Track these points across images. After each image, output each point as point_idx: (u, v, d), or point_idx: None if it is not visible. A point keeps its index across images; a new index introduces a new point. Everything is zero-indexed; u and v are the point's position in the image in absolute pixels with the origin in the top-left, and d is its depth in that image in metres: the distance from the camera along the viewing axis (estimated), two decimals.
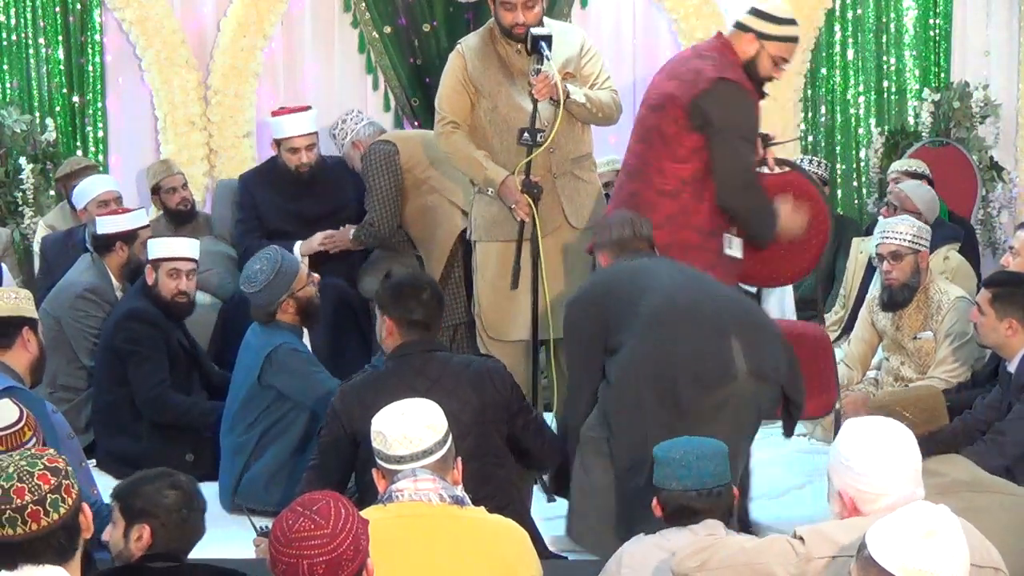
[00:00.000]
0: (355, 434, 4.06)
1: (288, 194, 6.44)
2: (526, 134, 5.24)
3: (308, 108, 6.53)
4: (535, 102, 5.24)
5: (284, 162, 6.43)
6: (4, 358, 4.21)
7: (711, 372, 4.21)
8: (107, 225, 5.98)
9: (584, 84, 5.42)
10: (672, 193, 4.87)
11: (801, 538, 3.01)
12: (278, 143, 6.46)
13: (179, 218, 6.96)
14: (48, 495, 2.64)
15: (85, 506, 2.72)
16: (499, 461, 4.17)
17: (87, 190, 6.57)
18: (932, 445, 3.47)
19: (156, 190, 7.02)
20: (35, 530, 2.62)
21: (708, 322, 4.27)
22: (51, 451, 2.75)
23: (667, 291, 4.35)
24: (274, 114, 6.55)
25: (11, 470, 2.66)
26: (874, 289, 5.96)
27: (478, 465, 3.99)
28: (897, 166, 6.95)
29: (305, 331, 5.25)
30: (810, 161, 7.08)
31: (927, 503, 2.64)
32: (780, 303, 6.60)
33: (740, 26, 4.92)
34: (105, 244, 5.98)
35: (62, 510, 2.65)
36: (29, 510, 2.62)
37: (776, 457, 5.60)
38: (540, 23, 5.33)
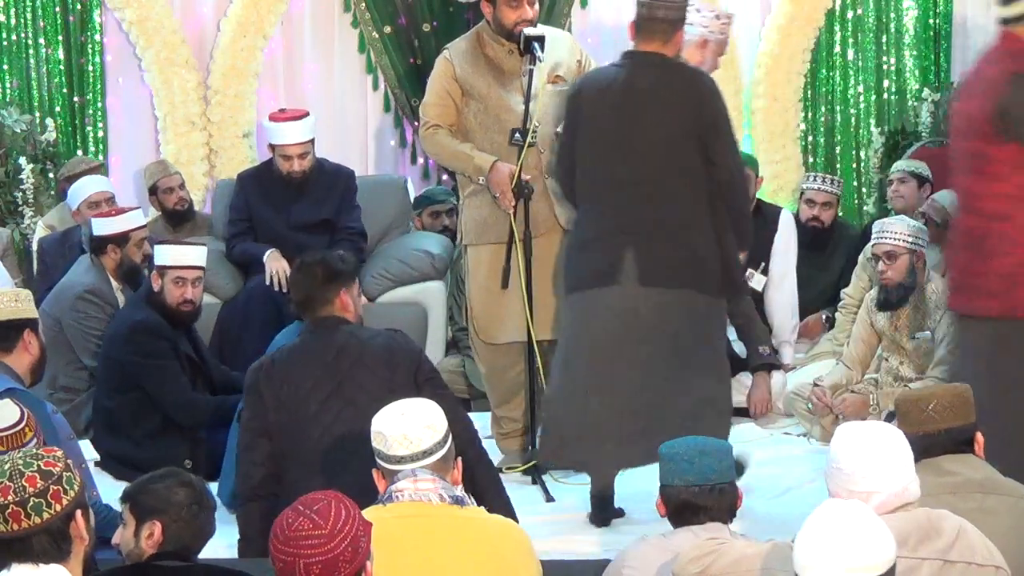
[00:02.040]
0: (269, 405, 4.17)
1: (279, 199, 6.41)
2: (517, 134, 5.26)
3: (305, 115, 6.44)
4: (527, 102, 5.26)
5: (277, 166, 6.41)
6: (6, 360, 4.21)
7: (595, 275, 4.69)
8: (99, 227, 5.95)
9: None
10: (1003, 215, 4.38)
11: None
12: (272, 147, 6.43)
13: (177, 218, 6.97)
14: (31, 498, 2.63)
15: (79, 515, 2.70)
16: None
17: (79, 191, 6.55)
18: (950, 442, 3.46)
19: (153, 190, 7.02)
20: (15, 530, 2.62)
21: (608, 230, 4.71)
22: (57, 453, 2.74)
23: (604, 180, 4.76)
24: (271, 118, 6.48)
25: (6, 467, 2.66)
26: (872, 290, 5.97)
27: None
28: (902, 165, 6.95)
29: None
30: (824, 179, 7.02)
31: (838, 501, 2.68)
32: (786, 303, 6.59)
33: (1014, 20, 4.36)
34: (99, 245, 5.96)
35: (45, 515, 2.63)
36: (10, 510, 2.62)
37: (776, 457, 5.60)
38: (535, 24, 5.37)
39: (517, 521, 4.13)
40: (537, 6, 5.37)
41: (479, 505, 4.00)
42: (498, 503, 4.05)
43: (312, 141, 6.41)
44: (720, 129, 4.76)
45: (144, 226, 6.12)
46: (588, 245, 4.78)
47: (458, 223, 5.72)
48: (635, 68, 4.78)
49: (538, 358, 5.32)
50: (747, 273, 6.39)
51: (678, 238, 4.68)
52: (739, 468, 4.31)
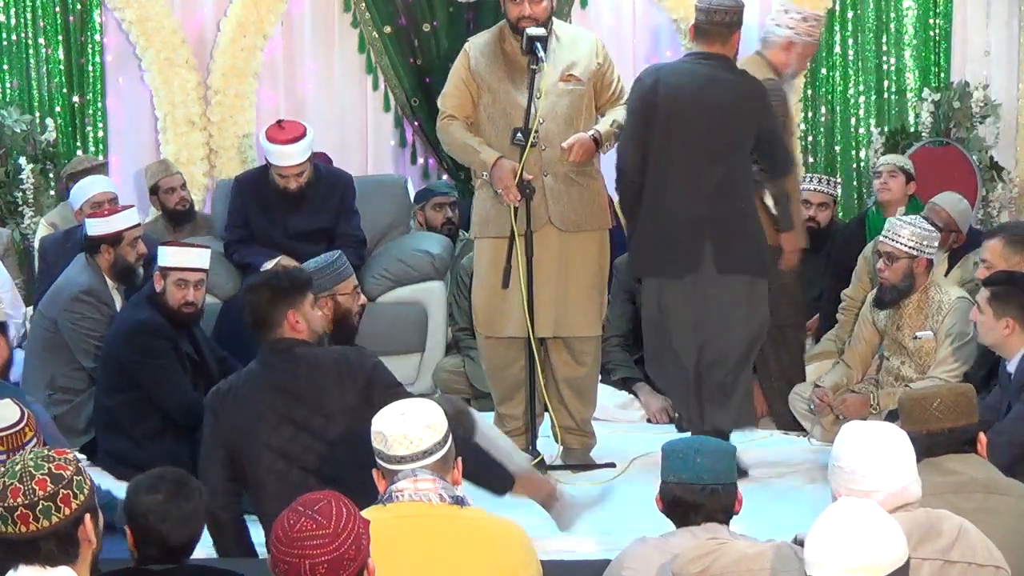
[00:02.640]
0: (229, 434, 4.14)
1: (277, 209, 6.41)
2: (518, 134, 5.27)
3: (303, 135, 6.34)
4: (529, 102, 5.26)
5: (274, 179, 6.37)
6: None
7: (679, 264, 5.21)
8: (92, 227, 5.90)
9: (604, 92, 5.51)
10: None
11: (803, 543, 3.01)
12: (269, 163, 6.38)
13: (177, 218, 6.96)
14: (40, 501, 2.61)
15: (88, 519, 2.68)
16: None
17: (82, 191, 6.54)
18: (953, 442, 3.46)
19: (155, 190, 7.02)
20: (24, 532, 2.61)
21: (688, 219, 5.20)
22: (68, 455, 2.72)
23: (675, 181, 5.22)
24: (268, 137, 6.35)
25: (18, 467, 2.65)
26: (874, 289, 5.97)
27: (346, 450, 4.01)
28: (891, 159, 6.95)
29: None
30: (819, 180, 7.04)
31: (850, 499, 2.68)
32: None
33: None
34: (93, 245, 5.93)
35: (54, 519, 2.62)
36: (19, 512, 2.61)
37: (776, 457, 5.60)
38: (548, 21, 5.36)
39: (512, 481, 4.25)
40: (545, 3, 5.35)
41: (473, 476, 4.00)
42: (490, 466, 4.19)
43: (308, 160, 6.36)
44: (778, 136, 5.40)
45: (138, 225, 6.04)
46: (670, 232, 5.25)
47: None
48: (714, 68, 5.25)
49: (537, 353, 5.34)
50: None
51: (744, 228, 5.28)
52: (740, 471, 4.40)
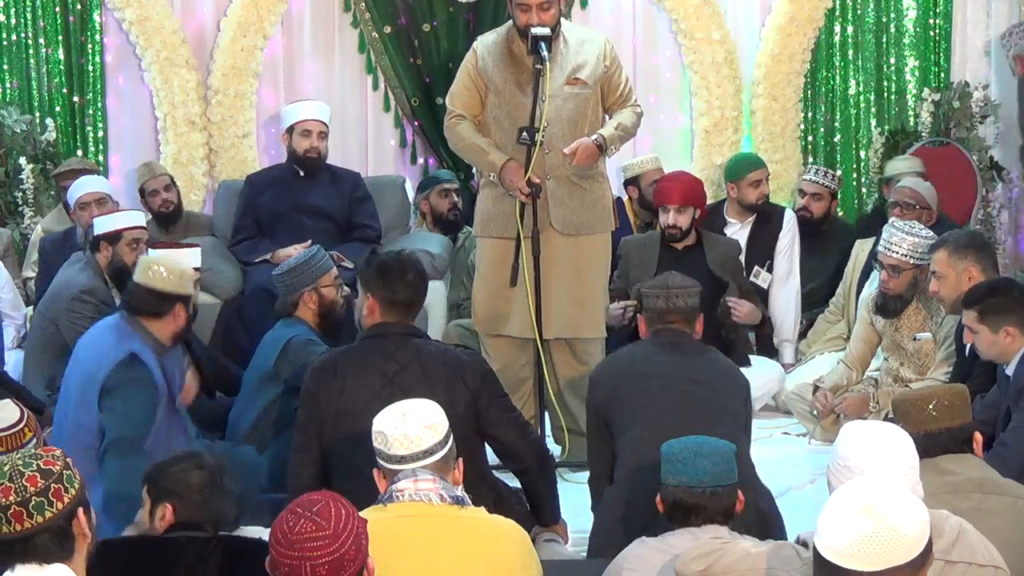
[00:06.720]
0: (327, 412, 4.11)
1: (286, 184, 6.60)
2: (524, 133, 5.27)
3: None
4: (534, 102, 5.26)
5: (294, 149, 6.63)
6: (152, 327, 4.68)
7: None
8: (98, 225, 5.91)
9: (611, 94, 5.52)
10: None
11: (805, 543, 3.01)
12: (291, 131, 6.67)
13: (162, 220, 6.94)
14: (33, 497, 2.63)
15: (81, 512, 2.70)
16: (470, 457, 3.88)
17: (73, 192, 6.59)
18: (948, 442, 3.46)
19: (143, 192, 7.02)
20: (19, 530, 2.62)
21: None
22: (56, 452, 2.74)
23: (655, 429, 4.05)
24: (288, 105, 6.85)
25: (6, 468, 2.67)
26: (870, 288, 5.96)
27: None
28: (902, 167, 6.99)
29: None
30: (816, 171, 7.11)
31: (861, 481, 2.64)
32: (789, 302, 6.64)
33: None
34: (94, 243, 5.92)
35: (47, 514, 2.64)
36: (12, 510, 2.62)
37: (777, 457, 5.60)
38: (557, 25, 5.35)
39: (558, 518, 4.32)
40: (553, 11, 5.33)
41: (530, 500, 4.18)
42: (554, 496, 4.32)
43: (328, 128, 6.72)
44: None
45: (142, 227, 5.96)
46: None
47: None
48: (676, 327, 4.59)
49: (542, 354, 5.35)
50: (754, 271, 6.46)
51: None
52: None
